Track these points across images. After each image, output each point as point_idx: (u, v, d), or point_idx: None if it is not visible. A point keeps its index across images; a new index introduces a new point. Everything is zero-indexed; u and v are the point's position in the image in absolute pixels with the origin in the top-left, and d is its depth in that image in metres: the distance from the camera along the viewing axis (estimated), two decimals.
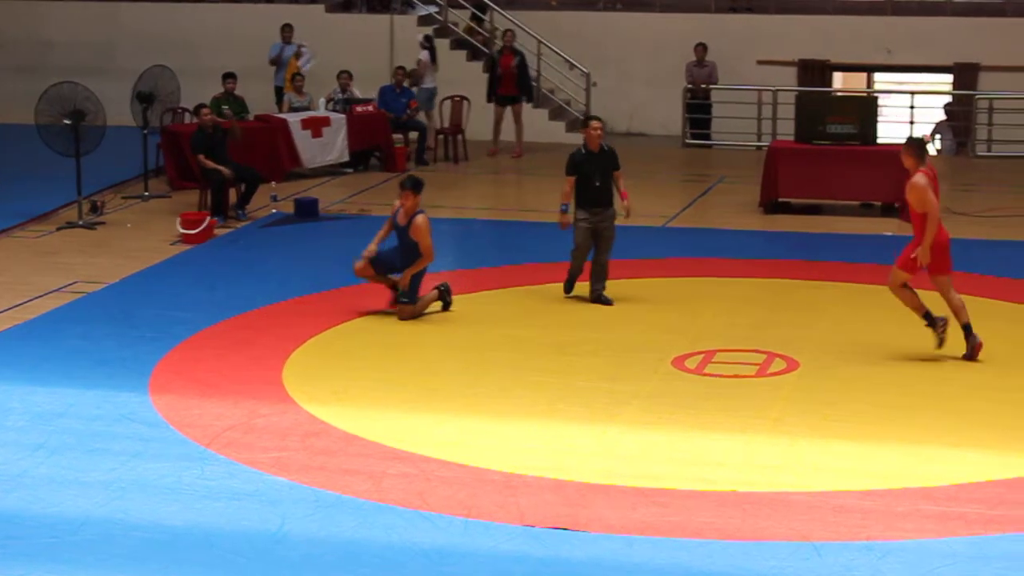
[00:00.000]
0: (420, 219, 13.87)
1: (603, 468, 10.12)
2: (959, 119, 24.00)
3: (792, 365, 12.50)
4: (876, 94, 22.71)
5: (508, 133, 23.22)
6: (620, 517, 9.29)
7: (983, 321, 12.75)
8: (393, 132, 22.29)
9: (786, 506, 9.48)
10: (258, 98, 22.60)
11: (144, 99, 19.58)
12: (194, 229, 17.15)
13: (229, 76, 21.09)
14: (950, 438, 10.70)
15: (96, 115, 17.89)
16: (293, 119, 21.35)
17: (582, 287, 14.55)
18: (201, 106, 19.01)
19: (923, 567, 8.61)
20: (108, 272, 15.67)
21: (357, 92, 22.26)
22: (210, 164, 18.38)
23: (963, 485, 9.81)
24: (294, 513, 9.34)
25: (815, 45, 24.45)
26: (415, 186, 13.93)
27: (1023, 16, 24.05)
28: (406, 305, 13.90)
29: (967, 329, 12.48)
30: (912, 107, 23.51)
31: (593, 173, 14.32)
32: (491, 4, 25.08)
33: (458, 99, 23.08)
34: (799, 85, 23.93)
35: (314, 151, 21.40)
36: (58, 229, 17.77)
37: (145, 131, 19.71)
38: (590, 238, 14.37)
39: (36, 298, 14.57)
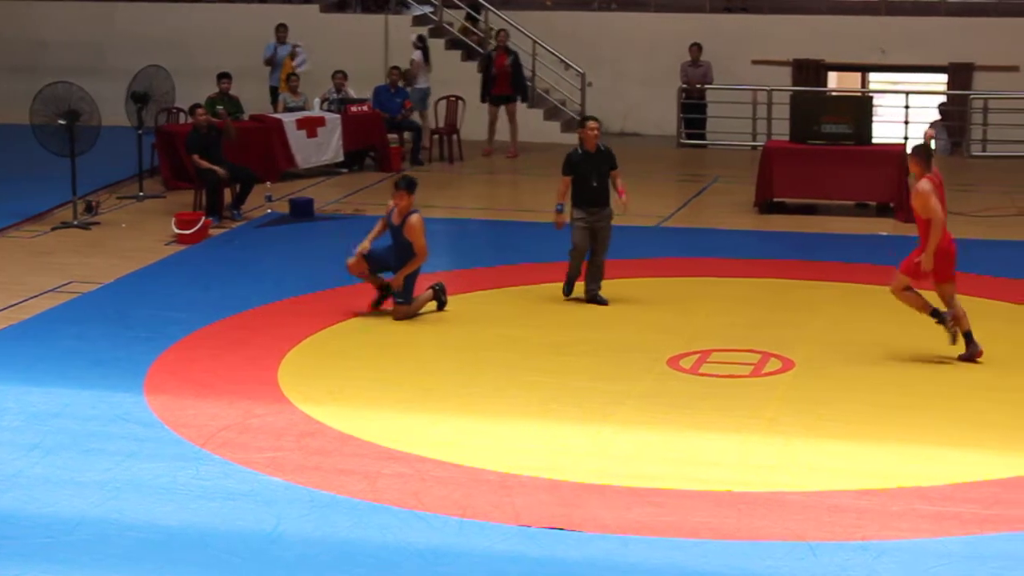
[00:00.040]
0: (414, 219, 13.87)
1: (598, 468, 10.11)
2: (954, 119, 24.02)
3: (787, 365, 12.50)
4: (871, 94, 22.68)
5: (503, 133, 23.22)
6: (615, 517, 9.28)
7: (980, 321, 12.73)
8: (388, 132, 22.28)
9: (781, 506, 9.48)
10: (253, 98, 22.60)
11: (139, 99, 19.57)
12: (189, 229, 17.15)
13: (224, 76, 21.09)
14: (945, 438, 10.70)
15: (91, 115, 17.88)
16: (288, 119, 21.35)
17: (580, 288, 14.53)
18: (196, 106, 19.00)
19: (918, 567, 8.61)
20: (103, 272, 15.66)
21: (352, 92, 22.24)
22: (205, 164, 18.37)
23: (958, 485, 9.80)
24: (289, 513, 9.33)
25: (810, 45, 24.45)
26: (409, 186, 13.93)
27: (1017, 16, 24.06)
28: (401, 305, 13.89)
29: (968, 336, 12.48)
30: (907, 107, 23.50)
31: (590, 173, 14.32)
32: (486, 4, 25.07)
33: (453, 99, 23.07)
34: (794, 85, 23.93)
35: (309, 151, 21.39)
36: (53, 229, 17.75)
37: (140, 131, 19.69)
38: (588, 239, 14.36)
39: (31, 298, 14.56)
